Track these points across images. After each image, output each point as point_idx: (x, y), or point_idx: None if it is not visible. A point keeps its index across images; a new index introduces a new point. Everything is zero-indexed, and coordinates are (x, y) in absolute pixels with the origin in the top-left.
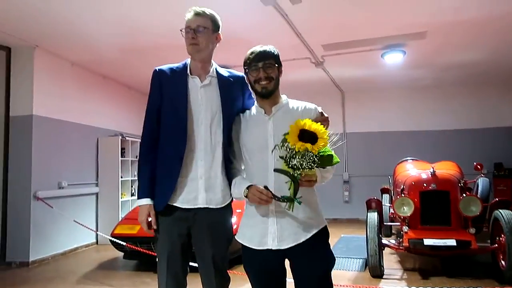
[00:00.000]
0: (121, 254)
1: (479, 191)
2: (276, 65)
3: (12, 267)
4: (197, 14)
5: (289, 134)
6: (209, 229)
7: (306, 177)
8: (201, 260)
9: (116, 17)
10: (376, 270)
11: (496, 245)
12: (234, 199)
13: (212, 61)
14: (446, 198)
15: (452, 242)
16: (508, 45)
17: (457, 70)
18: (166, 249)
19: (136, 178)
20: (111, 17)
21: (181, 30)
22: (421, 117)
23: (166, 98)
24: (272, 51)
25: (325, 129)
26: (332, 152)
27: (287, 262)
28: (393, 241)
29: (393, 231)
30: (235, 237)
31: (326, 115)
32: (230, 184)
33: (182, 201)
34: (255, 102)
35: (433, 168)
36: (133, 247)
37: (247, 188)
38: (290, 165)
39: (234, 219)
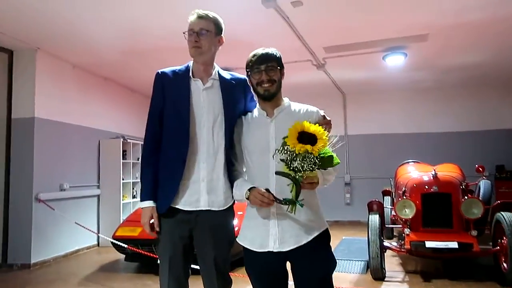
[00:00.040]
0: (122, 256)
1: (481, 194)
2: (279, 67)
3: (14, 269)
4: (200, 17)
5: (288, 137)
6: (211, 231)
7: (307, 179)
8: (203, 262)
9: (116, 19)
10: (377, 273)
11: (498, 247)
12: (235, 201)
13: (215, 63)
14: (448, 201)
15: (454, 244)
16: (509, 47)
17: (458, 72)
18: (168, 251)
19: (138, 180)
20: (111, 19)
21: (184, 33)
22: (423, 119)
23: (169, 101)
24: (275, 53)
25: (328, 132)
26: (333, 153)
27: (288, 265)
28: (395, 244)
29: (394, 234)
30: (236, 239)
31: (328, 118)
32: (232, 187)
33: (184, 203)
34: (257, 105)
35: (434, 170)
36: (135, 249)
37: (249, 190)
38: (291, 168)
39: (235, 221)
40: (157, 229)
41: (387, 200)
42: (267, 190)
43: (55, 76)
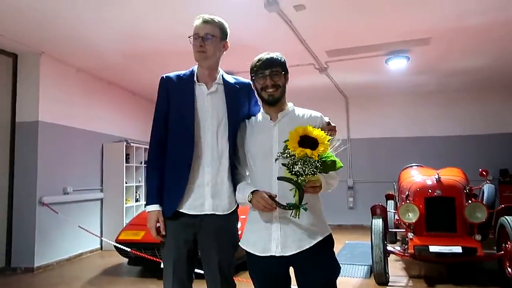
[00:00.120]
0: (125, 260)
1: (484, 198)
2: (283, 72)
3: (17, 273)
4: (205, 21)
5: (289, 140)
6: (216, 235)
7: (310, 183)
8: (207, 266)
9: (118, 23)
10: (381, 277)
11: (503, 252)
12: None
13: (219, 68)
14: (452, 205)
15: (458, 249)
16: (511, 52)
17: (461, 76)
18: (172, 255)
19: (141, 184)
20: (113, 23)
21: (189, 37)
22: (426, 123)
23: (173, 106)
24: (279, 58)
25: (332, 137)
26: (335, 157)
27: (292, 270)
28: (398, 248)
29: (398, 238)
30: (239, 243)
31: (333, 124)
32: (235, 190)
33: (189, 207)
34: (261, 109)
35: (438, 174)
36: (138, 253)
37: (252, 193)
38: (293, 172)
39: (238, 225)
40: (163, 232)
41: (390, 204)
42: (270, 196)
43: (59, 80)
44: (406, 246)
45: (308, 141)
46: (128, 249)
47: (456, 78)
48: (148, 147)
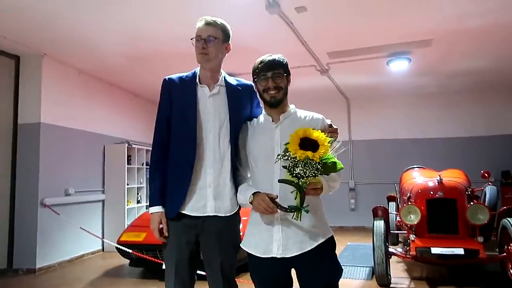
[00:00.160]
0: (127, 261)
1: (486, 199)
2: (285, 74)
3: (19, 274)
4: (208, 23)
5: (290, 143)
6: (218, 237)
7: (311, 185)
8: (209, 268)
9: (119, 25)
10: (383, 279)
11: (505, 254)
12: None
13: (221, 70)
14: (453, 206)
15: (460, 251)
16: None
17: (462, 77)
18: (174, 256)
19: (142, 185)
20: (115, 25)
21: (191, 39)
22: (427, 125)
23: (176, 107)
24: (281, 60)
25: (334, 140)
26: (335, 159)
27: (293, 272)
28: (400, 250)
29: (399, 240)
30: (240, 245)
31: (335, 126)
32: (237, 192)
33: (191, 208)
34: (263, 110)
35: (439, 176)
36: (139, 254)
37: (253, 194)
38: (293, 174)
39: (240, 227)
40: (166, 234)
41: (392, 206)
42: (271, 198)
43: (61, 82)
44: (408, 248)
45: (308, 143)
46: (130, 251)
47: (457, 79)
48: (149, 148)
